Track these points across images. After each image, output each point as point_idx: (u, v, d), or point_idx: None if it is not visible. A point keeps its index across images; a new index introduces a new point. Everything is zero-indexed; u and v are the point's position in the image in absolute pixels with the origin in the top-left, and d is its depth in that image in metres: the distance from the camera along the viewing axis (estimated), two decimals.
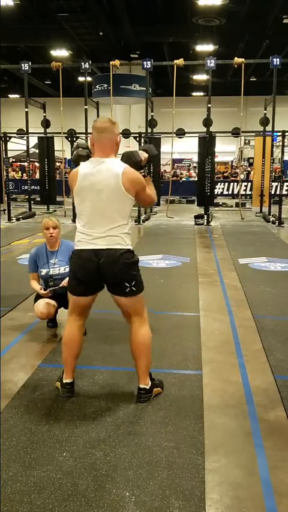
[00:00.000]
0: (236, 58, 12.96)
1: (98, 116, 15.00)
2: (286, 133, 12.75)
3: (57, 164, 20.12)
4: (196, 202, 14.42)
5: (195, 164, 22.37)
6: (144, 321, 3.04)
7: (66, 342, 3.09)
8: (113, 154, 2.93)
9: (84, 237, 2.92)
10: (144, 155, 2.99)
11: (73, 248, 4.19)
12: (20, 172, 25.16)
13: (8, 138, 13.49)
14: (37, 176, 18.20)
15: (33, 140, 16.50)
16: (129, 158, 2.93)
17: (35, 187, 15.85)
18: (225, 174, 24.49)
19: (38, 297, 4.20)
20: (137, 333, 3.01)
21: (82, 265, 2.93)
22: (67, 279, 4.02)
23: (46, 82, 26.22)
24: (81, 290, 3.00)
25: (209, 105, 12.87)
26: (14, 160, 24.09)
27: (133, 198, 2.90)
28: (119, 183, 2.81)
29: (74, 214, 12.93)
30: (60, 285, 4.08)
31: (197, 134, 13.15)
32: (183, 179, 23.59)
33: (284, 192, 14.10)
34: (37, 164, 18.30)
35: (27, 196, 15.35)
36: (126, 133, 13.59)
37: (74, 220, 12.73)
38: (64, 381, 3.08)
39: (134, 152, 2.99)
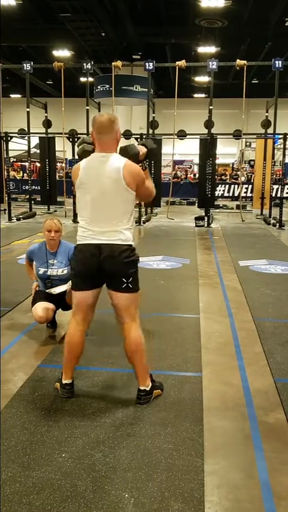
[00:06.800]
0: (238, 60, 12.96)
1: None
2: (287, 136, 12.78)
3: (58, 164, 20.12)
4: (197, 204, 14.43)
5: (195, 167, 22.34)
6: (136, 323, 3.00)
7: (68, 343, 3.06)
8: (113, 150, 2.95)
9: (86, 232, 2.94)
10: (142, 149, 3.02)
11: (72, 250, 4.23)
12: (21, 172, 25.14)
13: (9, 138, 13.50)
14: (38, 176, 18.19)
15: (35, 140, 16.50)
16: (127, 152, 2.96)
17: (36, 187, 15.85)
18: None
19: (35, 299, 4.18)
20: (128, 333, 2.98)
21: (84, 259, 2.95)
22: (65, 286, 4.03)
23: (48, 82, 26.23)
24: (83, 284, 3.00)
25: (211, 107, 12.87)
26: (15, 159, 24.08)
27: (134, 193, 2.92)
28: (120, 177, 2.84)
29: (74, 215, 12.95)
30: (58, 291, 4.08)
31: (198, 136, 13.15)
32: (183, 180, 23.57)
33: (285, 195, 14.11)
34: (38, 165, 18.29)
35: (27, 196, 15.34)
36: (127, 134, 13.60)
37: (74, 221, 12.75)
38: (63, 382, 3.07)
39: (131, 145, 3.01)
